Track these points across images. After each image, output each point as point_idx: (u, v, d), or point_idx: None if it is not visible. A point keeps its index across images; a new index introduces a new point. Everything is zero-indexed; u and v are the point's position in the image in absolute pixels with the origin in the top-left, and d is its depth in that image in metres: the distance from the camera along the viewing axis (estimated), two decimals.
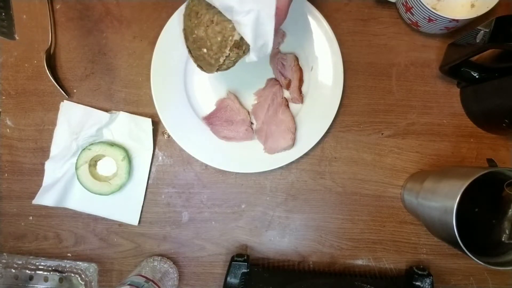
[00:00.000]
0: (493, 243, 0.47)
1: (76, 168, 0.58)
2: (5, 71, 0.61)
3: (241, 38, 0.42)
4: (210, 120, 0.59)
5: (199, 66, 0.48)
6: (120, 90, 0.61)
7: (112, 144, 0.58)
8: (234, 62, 0.46)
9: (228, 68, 0.47)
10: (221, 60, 0.44)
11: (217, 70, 0.46)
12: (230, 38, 0.43)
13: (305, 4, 0.57)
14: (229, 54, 0.43)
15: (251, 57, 0.45)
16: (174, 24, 0.56)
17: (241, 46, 0.44)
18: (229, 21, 0.42)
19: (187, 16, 0.46)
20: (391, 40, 0.61)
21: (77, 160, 0.58)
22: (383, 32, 0.61)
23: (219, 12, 0.42)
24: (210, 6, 0.43)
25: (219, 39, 0.43)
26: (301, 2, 0.57)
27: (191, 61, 0.56)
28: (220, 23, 0.43)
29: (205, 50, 0.45)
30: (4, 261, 0.59)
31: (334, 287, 0.55)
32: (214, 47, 0.44)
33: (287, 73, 0.59)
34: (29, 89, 0.61)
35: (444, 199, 0.45)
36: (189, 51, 0.49)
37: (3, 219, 0.61)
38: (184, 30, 0.48)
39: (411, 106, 0.60)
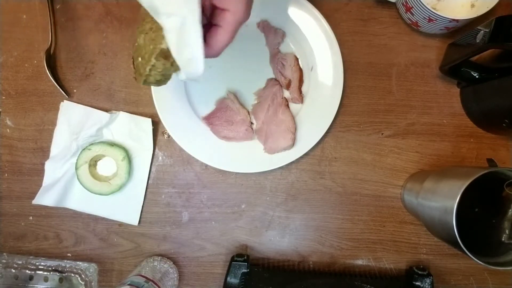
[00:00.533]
0: (493, 243, 0.47)
1: (76, 168, 0.58)
2: (5, 71, 0.61)
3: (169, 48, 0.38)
4: (210, 120, 0.59)
5: (134, 76, 0.43)
6: (120, 90, 0.61)
7: (112, 144, 0.58)
8: (163, 76, 0.40)
9: (157, 82, 0.41)
10: (147, 69, 0.39)
11: (145, 82, 0.41)
12: (158, 46, 0.38)
13: (305, 4, 0.57)
14: (154, 63, 0.38)
15: (181, 74, 0.40)
16: None
17: (169, 57, 0.38)
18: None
19: (138, 23, 0.42)
20: (391, 40, 0.61)
21: (77, 160, 0.58)
22: (383, 32, 0.61)
23: None
24: None
25: (151, 47, 0.38)
26: (301, 2, 0.57)
27: None
28: (156, 31, 0.38)
29: (140, 59, 0.40)
30: (4, 261, 0.59)
31: (334, 287, 0.55)
32: (147, 55, 0.39)
33: (287, 73, 0.59)
34: (29, 89, 0.61)
35: (444, 199, 0.45)
36: (132, 61, 0.43)
37: (3, 219, 0.61)
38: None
39: (411, 106, 0.60)
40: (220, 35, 0.39)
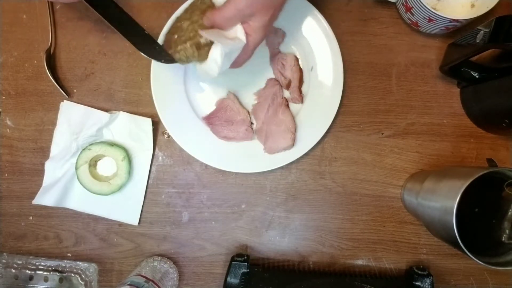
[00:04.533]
0: (493, 243, 0.47)
1: (76, 168, 0.58)
2: (5, 71, 0.61)
3: (205, 44, 0.47)
4: (210, 120, 0.59)
5: (162, 44, 0.52)
6: (120, 90, 0.61)
7: (112, 144, 0.58)
8: (186, 58, 0.49)
9: (178, 59, 0.49)
10: (179, 48, 0.48)
11: (172, 54, 0.49)
12: (198, 37, 0.47)
13: (305, 4, 0.57)
14: (186, 47, 0.47)
15: (198, 67, 0.50)
16: None
17: (199, 49, 0.47)
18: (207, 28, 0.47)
19: (186, 10, 0.51)
20: (391, 40, 0.61)
21: (77, 160, 0.58)
22: (383, 32, 0.61)
23: None
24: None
25: (191, 34, 0.47)
26: (301, 2, 0.57)
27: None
28: (202, 26, 0.47)
29: (175, 36, 0.49)
30: (4, 261, 0.59)
31: (334, 287, 0.55)
32: (183, 38, 0.48)
33: (287, 73, 0.59)
34: (29, 89, 0.61)
35: (444, 199, 0.45)
36: (165, 38, 0.52)
37: (3, 219, 0.61)
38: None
39: (411, 106, 0.60)
40: (243, 55, 0.49)
